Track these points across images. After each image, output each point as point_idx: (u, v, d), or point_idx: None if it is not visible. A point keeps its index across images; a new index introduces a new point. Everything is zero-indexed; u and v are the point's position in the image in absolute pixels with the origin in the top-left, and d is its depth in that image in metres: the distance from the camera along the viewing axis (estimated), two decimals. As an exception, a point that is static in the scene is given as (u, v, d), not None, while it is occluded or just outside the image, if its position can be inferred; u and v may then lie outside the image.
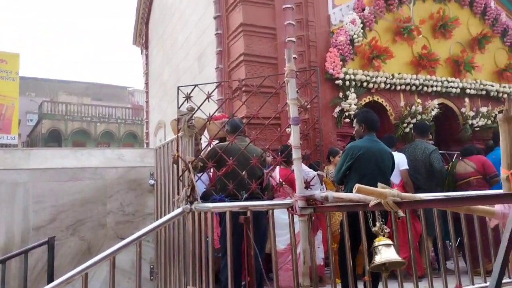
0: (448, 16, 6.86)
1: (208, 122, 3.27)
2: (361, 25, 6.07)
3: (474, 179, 4.59)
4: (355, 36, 5.99)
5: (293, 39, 5.56)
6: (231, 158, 2.72)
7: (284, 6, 5.59)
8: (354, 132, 3.75)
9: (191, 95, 2.75)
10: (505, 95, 7.32)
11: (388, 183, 3.38)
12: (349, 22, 5.97)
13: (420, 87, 6.54)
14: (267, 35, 5.66)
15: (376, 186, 3.29)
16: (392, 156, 3.52)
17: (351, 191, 3.28)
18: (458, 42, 7.10)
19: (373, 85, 6.15)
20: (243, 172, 2.72)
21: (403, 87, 6.42)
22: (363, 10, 6.13)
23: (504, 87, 7.34)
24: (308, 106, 2.63)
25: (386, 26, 6.45)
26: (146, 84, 11.30)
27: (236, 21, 5.67)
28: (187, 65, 7.77)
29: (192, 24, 7.51)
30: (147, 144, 11.32)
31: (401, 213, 2.21)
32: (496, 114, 7.24)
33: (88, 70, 76.87)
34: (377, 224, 2.05)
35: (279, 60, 5.55)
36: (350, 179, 3.32)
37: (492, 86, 7.21)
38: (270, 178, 3.01)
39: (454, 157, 5.87)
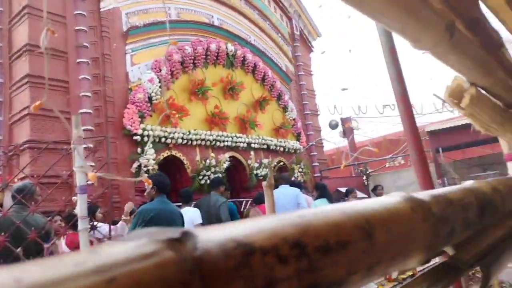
0: (235, 81, 7.90)
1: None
2: (159, 84, 6.39)
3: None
4: (153, 94, 6.26)
5: (89, 94, 5.42)
6: (2, 233, 2.44)
7: (78, 60, 5.43)
8: (145, 194, 3.85)
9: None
10: (281, 148, 8.77)
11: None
12: (147, 80, 6.21)
13: (214, 142, 7.22)
14: (59, 88, 5.35)
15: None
16: (182, 216, 3.76)
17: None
18: (244, 103, 8.20)
19: (171, 141, 6.47)
20: (18, 249, 2.46)
21: (199, 142, 6.97)
22: (161, 70, 6.49)
23: (280, 141, 8.79)
24: (99, 174, 2.62)
25: (182, 86, 6.97)
26: None
27: (21, 71, 5.18)
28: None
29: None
30: None
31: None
32: (275, 165, 8.57)
33: None
34: None
35: (72, 115, 5.29)
36: (143, 242, 3.37)
37: (272, 141, 8.54)
38: (53, 252, 2.79)
39: (248, 204, 6.60)
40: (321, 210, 0.26)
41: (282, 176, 5.70)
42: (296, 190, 5.02)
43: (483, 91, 0.87)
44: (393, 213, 0.32)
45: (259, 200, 5.43)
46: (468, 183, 0.54)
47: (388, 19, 0.47)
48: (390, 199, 0.35)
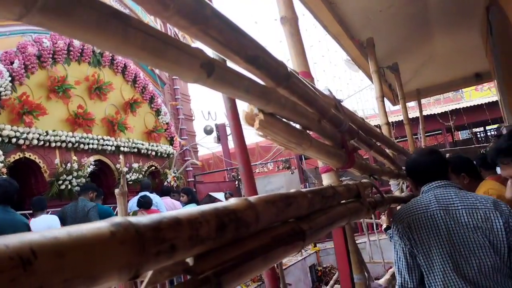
0: (102, 80, 7.47)
1: None
2: (10, 78, 5.69)
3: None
4: (1, 89, 5.54)
5: None
6: None
7: None
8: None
9: None
10: (153, 153, 8.56)
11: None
12: (-6, 73, 5.48)
13: (77, 144, 6.70)
14: None
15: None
16: (27, 226, 3.41)
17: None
18: (112, 104, 7.80)
19: (24, 141, 5.81)
20: None
21: (59, 144, 6.40)
22: (12, 63, 5.78)
23: (152, 145, 8.58)
24: None
25: (39, 82, 6.32)
26: None
27: None
28: None
29: None
30: None
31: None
32: (146, 169, 8.32)
33: None
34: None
35: None
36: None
37: (143, 144, 8.29)
38: None
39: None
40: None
41: (142, 183, 5.54)
42: (155, 197, 4.98)
43: (277, 116, 0.99)
44: (79, 239, 0.35)
45: (147, 204, 5.08)
46: (224, 203, 0.61)
47: (141, 60, 0.52)
48: (93, 226, 0.38)
